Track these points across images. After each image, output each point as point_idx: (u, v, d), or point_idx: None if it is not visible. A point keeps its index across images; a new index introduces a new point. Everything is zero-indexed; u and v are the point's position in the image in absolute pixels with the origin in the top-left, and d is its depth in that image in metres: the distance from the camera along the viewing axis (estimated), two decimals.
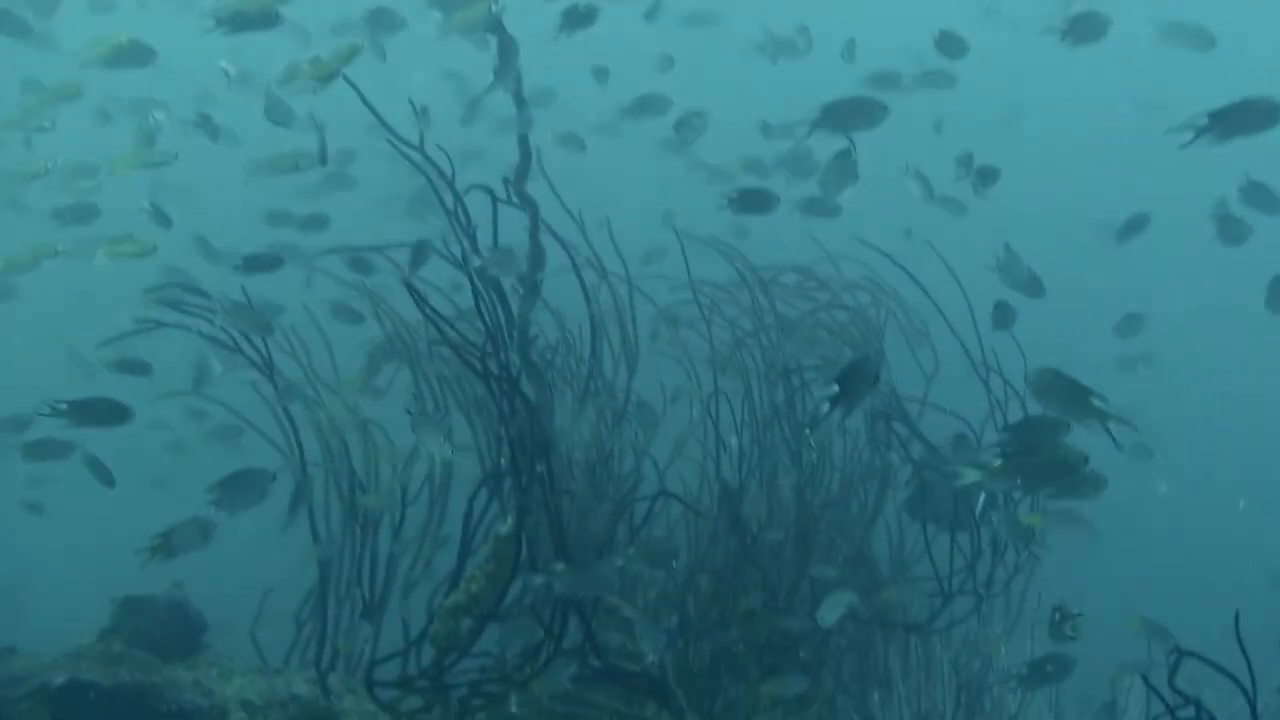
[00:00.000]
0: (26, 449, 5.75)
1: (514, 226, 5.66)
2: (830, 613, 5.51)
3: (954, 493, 6.10)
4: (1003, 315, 6.25)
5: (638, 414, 6.04)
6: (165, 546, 4.76)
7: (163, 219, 7.24)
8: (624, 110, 7.38)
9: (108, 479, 6.25)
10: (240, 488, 4.84)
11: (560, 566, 4.71)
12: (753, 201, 6.12)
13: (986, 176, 6.22)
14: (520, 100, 5.16)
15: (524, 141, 5.16)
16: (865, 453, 6.94)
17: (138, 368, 6.15)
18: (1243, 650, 4.00)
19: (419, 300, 4.67)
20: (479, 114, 8.26)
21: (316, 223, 7.88)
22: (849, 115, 5.37)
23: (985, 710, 6.13)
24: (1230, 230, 6.12)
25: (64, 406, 4.99)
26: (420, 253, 5.20)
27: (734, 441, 6.38)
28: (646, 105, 7.47)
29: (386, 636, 6.12)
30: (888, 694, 6.15)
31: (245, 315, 5.37)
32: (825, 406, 4.19)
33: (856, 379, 4.19)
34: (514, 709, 5.19)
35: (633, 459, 6.62)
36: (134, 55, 6.36)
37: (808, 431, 6.10)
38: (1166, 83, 11.72)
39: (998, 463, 4.28)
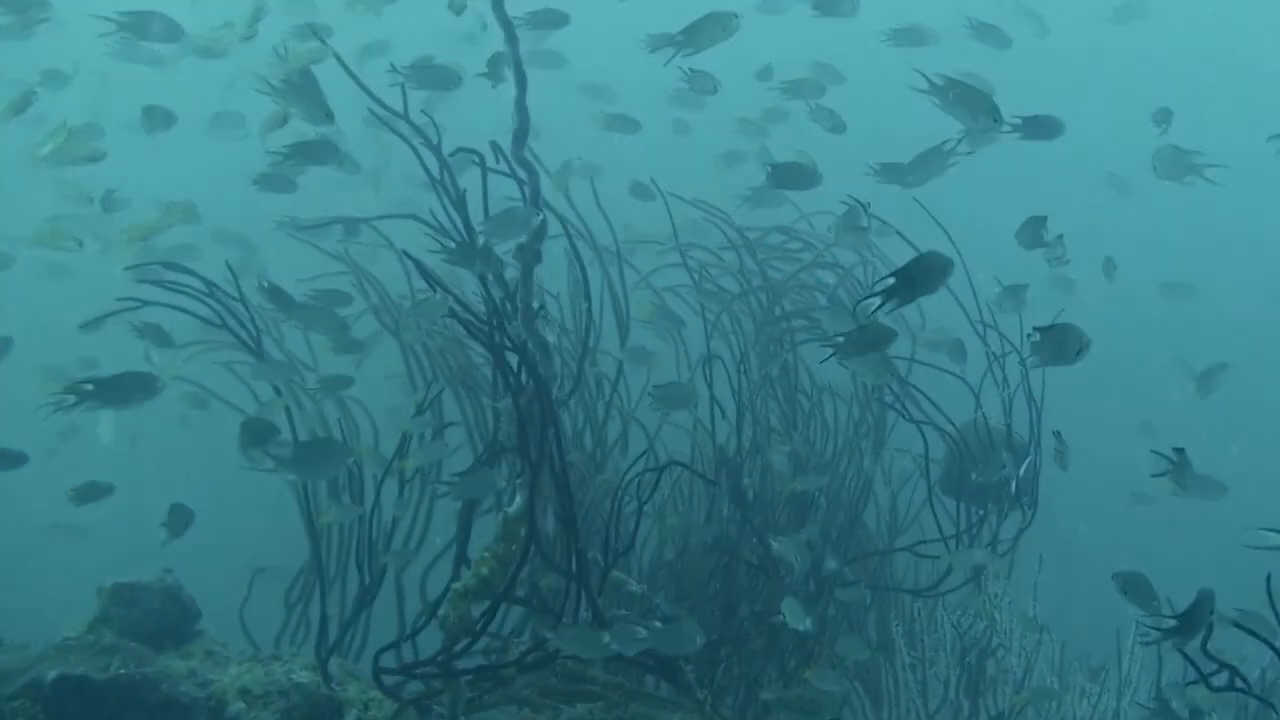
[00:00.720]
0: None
1: (496, 195, 5.47)
2: (794, 618, 5.40)
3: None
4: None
5: (671, 390, 5.82)
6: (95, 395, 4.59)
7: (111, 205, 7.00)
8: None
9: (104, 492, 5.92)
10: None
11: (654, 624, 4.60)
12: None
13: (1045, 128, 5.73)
14: (517, 58, 4.92)
15: (520, 103, 4.92)
16: (857, 414, 6.88)
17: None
18: (1275, 613, 3.94)
19: (424, 272, 4.51)
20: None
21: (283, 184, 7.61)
22: (965, 100, 4.93)
23: (989, 676, 6.07)
24: None
25: (89, 387, 4.64)
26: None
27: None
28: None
29: (379, 618, 6.00)
30: (891, 661, 6.09)
31: (319, 316, 5.16)
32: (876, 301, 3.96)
33: (922, 271, 3.95)
34: (520, 689, 5.10)
35: (620, 426, 6.54)
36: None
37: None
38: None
39: None
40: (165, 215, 6.03)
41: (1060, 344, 4.52)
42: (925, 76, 4.77)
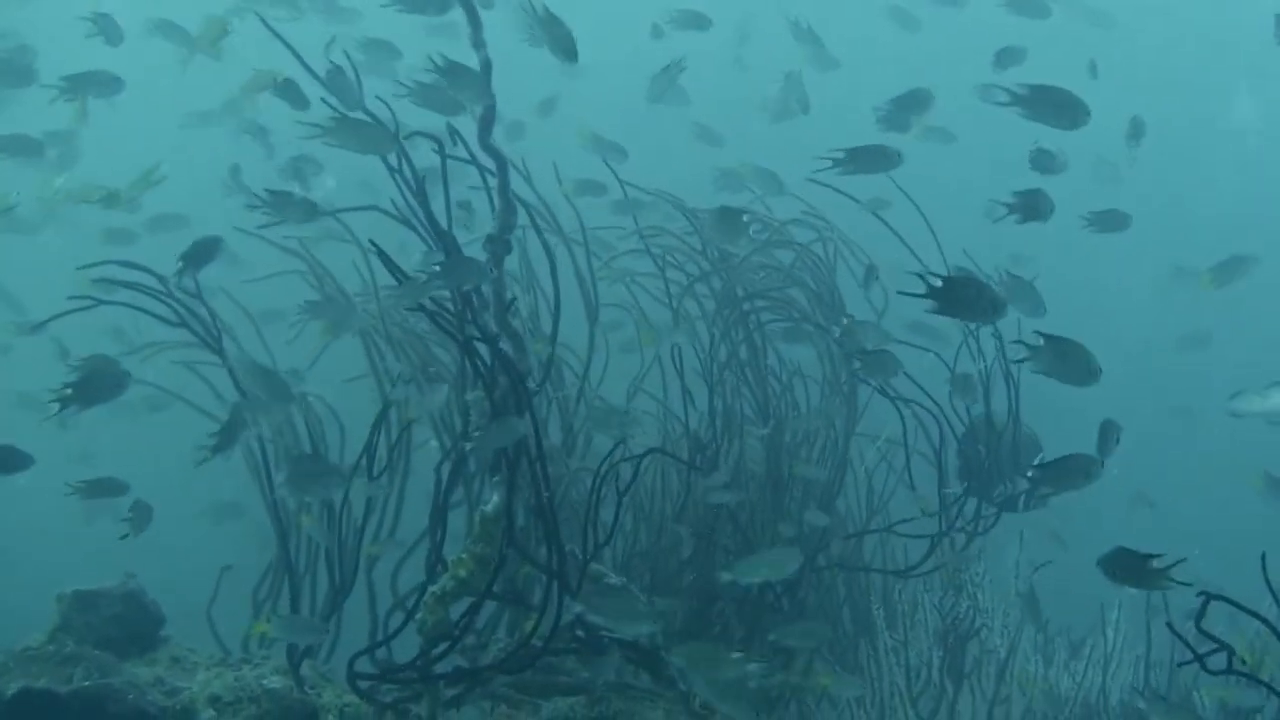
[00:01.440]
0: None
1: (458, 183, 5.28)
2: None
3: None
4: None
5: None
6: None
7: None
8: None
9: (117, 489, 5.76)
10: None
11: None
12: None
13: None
14: (480, 40, 4.76)
15: (485, 86, 4.75)
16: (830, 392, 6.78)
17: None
18: (1271, 592, 3.87)
19: (390, 264, 4.35)
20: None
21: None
22: (1058, 109, 4.93)
23: (972, 656, 6.00)
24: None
25: (69, 390, 4.57)
26: None
27: None
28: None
29: (351, 615, 5.85)
30: (873, 644, 6.00)
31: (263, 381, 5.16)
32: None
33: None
34: (498, 686, 4.99)
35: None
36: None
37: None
38: None
39: None
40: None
41: (1063, 359, 4.44)
42: (1006, 89, 4.84)
